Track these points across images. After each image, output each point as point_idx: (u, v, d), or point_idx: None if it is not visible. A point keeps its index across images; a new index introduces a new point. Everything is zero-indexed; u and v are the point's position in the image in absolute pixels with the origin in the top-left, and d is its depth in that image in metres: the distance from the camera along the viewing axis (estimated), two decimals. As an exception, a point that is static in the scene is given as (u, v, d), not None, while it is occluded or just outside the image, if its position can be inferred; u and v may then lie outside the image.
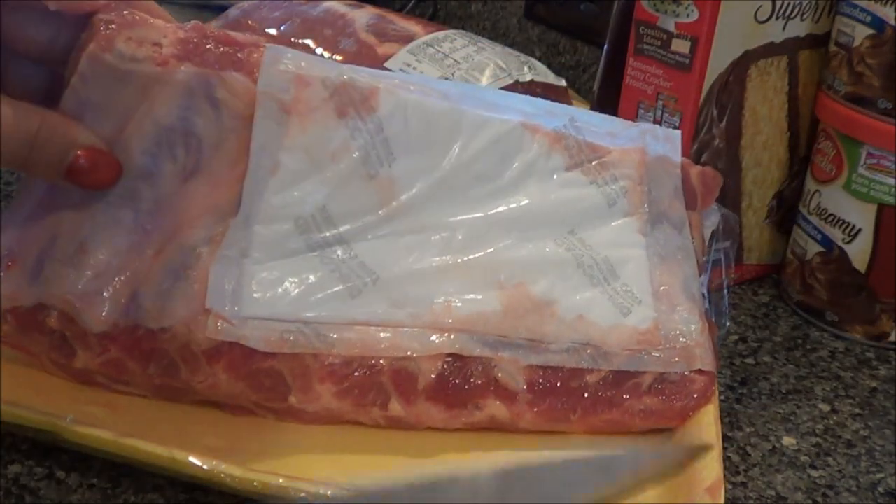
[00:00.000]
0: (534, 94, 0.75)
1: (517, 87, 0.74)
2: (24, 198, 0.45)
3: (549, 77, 0.78)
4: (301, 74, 0.44)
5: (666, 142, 0.50)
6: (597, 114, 0.51)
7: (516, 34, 0.99)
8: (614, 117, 0.51)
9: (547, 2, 0.95)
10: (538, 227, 0.46)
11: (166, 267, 0.43)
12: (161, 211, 0.44)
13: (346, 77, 0.44)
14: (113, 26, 0.42)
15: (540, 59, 0.82)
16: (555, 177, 0.47)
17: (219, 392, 0.44)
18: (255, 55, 0.43)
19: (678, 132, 0.50)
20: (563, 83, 0.79)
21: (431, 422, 0.44)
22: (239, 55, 0.43)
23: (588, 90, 0.90)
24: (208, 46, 0.43)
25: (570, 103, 0.79)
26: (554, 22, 0.95)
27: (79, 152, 0.41)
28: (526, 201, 0.47)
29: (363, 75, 0.45)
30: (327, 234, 0.44)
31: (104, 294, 0.43)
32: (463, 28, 0.86)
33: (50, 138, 0.40)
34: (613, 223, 0.47)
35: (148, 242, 0.44)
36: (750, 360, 0.56)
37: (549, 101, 0.50)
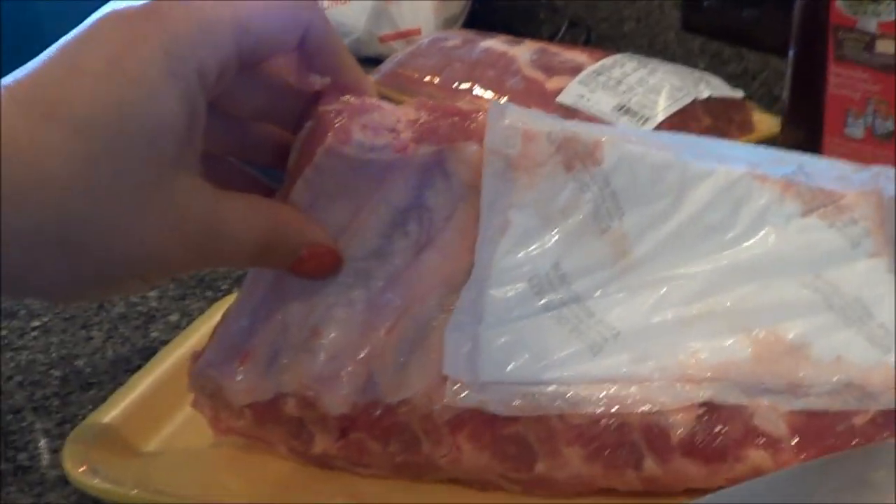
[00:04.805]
0: (713, 111, 0.73)
1: (696, 105, 0.72)
2: (250, 290, 0.44)
3: (725, 91, 0.75)
4: (527, 129, 0.43)
5: None
6: (824, 159, 0.48)
7: (675, 48, 0.96)
8: (842, 161, 0.48)
9: (704, 11, 0.92)
10: (780, 272, 0.44)
11: (400, 341, 0.43)
12: (393, 287, 0.43)
13: (569, 130, 0.43)
14: (345, 116, 0.41)
15: (705, 71, 0.80)
16: (791, 223, 0.45)
17: (462, 466, 0.42)
18: (482, 118, 0.42)
19: None
20: (741, 94, 0.76)
21: (690, 480, 0.41)
22: (467, 123, 0.43)
23: (760, 97, 0.87)
24: (440, 121, 0.42)
25: (750, 115, 0.76)
26: (714, 31, 0.92)
27: (306, 249, 0.41)
28: (763, 248, 0.44)
29: (583, 128, 0.44)
30: (562, 293, 0.43)
31: (342, 375, 0.43)
32: (618, 50, 0.84)
33: (283, 239, 0.40)
34: (860, 264, 0.44)
35: (381, 319, 0.43)
36: None
37: (772, 150, 0.48)
